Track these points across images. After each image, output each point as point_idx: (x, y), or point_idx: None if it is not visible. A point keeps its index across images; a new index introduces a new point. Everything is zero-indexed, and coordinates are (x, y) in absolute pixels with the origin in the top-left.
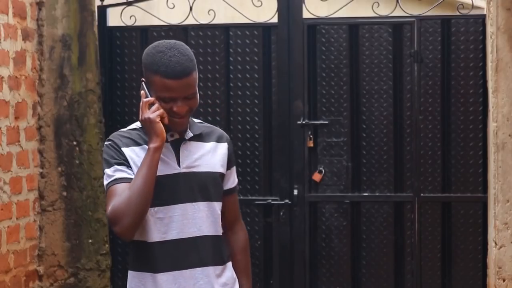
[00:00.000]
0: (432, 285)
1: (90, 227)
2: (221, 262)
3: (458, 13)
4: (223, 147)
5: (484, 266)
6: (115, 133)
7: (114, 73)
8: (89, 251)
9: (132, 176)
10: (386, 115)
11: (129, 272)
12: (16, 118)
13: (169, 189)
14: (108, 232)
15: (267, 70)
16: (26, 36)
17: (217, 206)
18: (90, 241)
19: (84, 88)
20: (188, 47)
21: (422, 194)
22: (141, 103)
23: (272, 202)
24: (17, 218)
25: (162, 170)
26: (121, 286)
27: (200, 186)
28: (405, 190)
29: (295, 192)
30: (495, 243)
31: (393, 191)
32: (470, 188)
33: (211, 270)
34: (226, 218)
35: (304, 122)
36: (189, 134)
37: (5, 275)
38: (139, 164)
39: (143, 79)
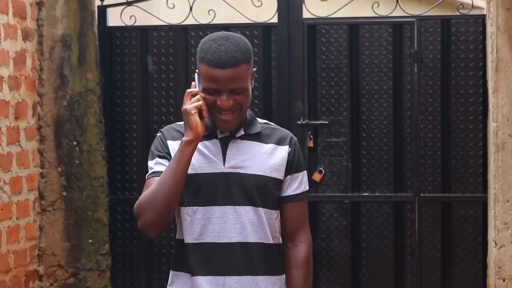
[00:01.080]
0: (432, 285)
1: (90, 227)
2: (268, 273)
3: (458, 13)
4: (283, 151)
5: (484, 266)
6: (169, 125)
7: (114, 73)
8: (89, 251)
9: None
10: (386, 115)
11: (170, 271)
12: (16, 118)
13: (209, 189)
14: (108, 232)
15: (267, 70)
16: (26, 36)
17: (265, 213)
18: (90, 241)
19: (84, 88)
20: (246, 40)
21: (422, 194)
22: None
23: None
24: (17, 218)
25: (204, 168)
26: (121, 286)
27: (245, 189)
28: (405, 190)
29: None
30: (495, 243)
31: (393, 191)
32: (470, 188)
33: (247, 280)
34: (286, 228)
35: (304, 122)
36: (241, 132)
37: (5, 275)
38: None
39: (196, 70)
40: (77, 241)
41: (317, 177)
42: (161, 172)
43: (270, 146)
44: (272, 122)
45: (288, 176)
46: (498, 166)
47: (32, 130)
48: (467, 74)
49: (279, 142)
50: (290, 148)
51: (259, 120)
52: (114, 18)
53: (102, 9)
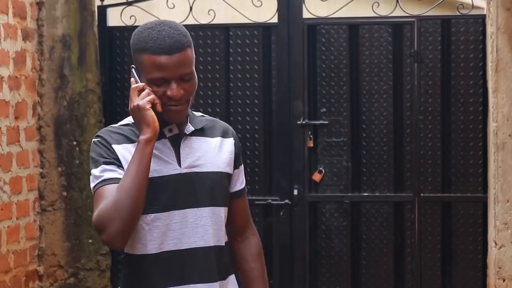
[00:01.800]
0: (432, 285)
1: (90, 227)
2: (224, 277)
3: (458, 13)
4: (229, 143)
5: (484, 266)
6: (104, 129)
7: (114, 73)
8: (89, 251)
9: None
10: (386, 115)
11: None
12: (16, 118)
13: (167, 193)
14: None
15: (267, 70)
16: (26, 36)
17: (223, 211)
18: (90, 241)
19: (84, 88)
20: (181, 25)
21: (422, 194)
22: (130, 93)
23: (272, 202)
24: (17, 218)
25: (159, 171)
26: None
27: (204, 189)
28: (405, 190)
29: (295, 192)
30: (495, 243)
31: (393, 191)
32: (470, 188)
33: (215, 287)
34: (235, 224)
35: (304, 122)
36: (190, 128)
37: (5, 275)
38: (113, 162)
39: (133, 65)
40: (77, 241)
41: (317, 177)
42: (113, 179)
43: (217, 140)
44: (273, 122)
45: (236, 170)
46: (498, 166)
47: (32, 130)
48: (467, 74)
49: (224, 135)
50: (234, 140)
51: (195, 113)
52: (114, 18)
53: (102, 9)
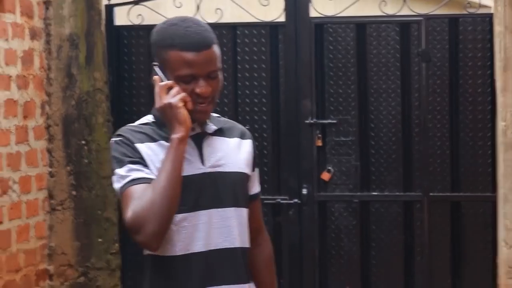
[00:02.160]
0: (442, 285)
1: (100, 226)
2: (250, 280)
3: (465, 12)
4: (247, 145)
5: (495, 266)
6: (125, 127)
7: (122, 72)
8: (99, 250)
9: (152, 176)
10: (394, 114)
11: None
12: (25, 117)
13: (193, 193)
14: (118, 231)
15: (274, 69)
16: (33, 35)
17: (245, 212)
18: (100, 240)
19: (92, 87)
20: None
21: (431, 194)
22: (156, 90)
23: (281, 202)
24: (26, 218)
25: (185, 170)
26: (131, 285)
27: (227, 188)
28: (414, 189)
29: (304, 191)
30: (505, 242)
31: (402, 190)
32: (479, 188)
33: None
34: (251, 227)
35: (312, 121)
36: (212, 127)
37: (15, 274)
38: (156, 163)
39: (154, 63)
40: (87, 240)
41: (325, 176)
42: (142, 178)
43: (235, 141)
44: (281, 121)
45: (253, 172)
46: (507, 166)
47: (41, 129)
48: (475, 73)
49: (242, 136)
50: (252, 142)
51: (213, 113)
52: (121, 17)
53: (109, 8)
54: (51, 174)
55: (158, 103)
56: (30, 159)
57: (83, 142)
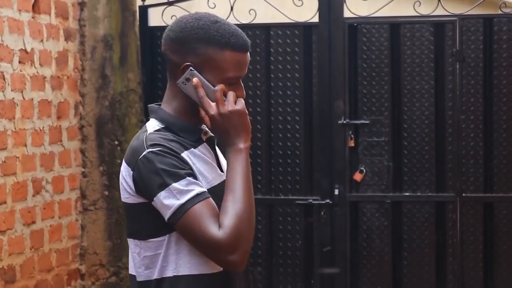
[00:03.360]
0: (473, 286)
1: None
2: None
3: (500, 12)
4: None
5: None
6: (154, 135)
7: (155, 73)
8: None
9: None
10: (428, 115)
11: None
12: (59, 117)
13: (220, 202)
14: None
15: (308, 69)
16: (68, 36)
17: None
18: None
19: (125, 88)
20: None
21: (464, 194)
22: (202, 93)
23: (313, 202)
24: (59, 217)
25: (215, 179)
26: None
27: None
28: (446, 190)
29: (336, 192)
30: None
31: (434, 191)
32: None
33: None
34: None
35: (345, 122)
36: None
37: (47, 274)
38: (197, 174)
39: (188, 63)
40: (119, 240)
41: (358, 176)
42: (205, 193)
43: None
44: (313, 122)
45: None
46: None
47: (74, 130)
48: (509, 73)
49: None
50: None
51: None
52: (155, 18)
53: (143, 9)
54: (84, 174)
55: (216, 110)
56: (63, 160)
57: (116, 142)
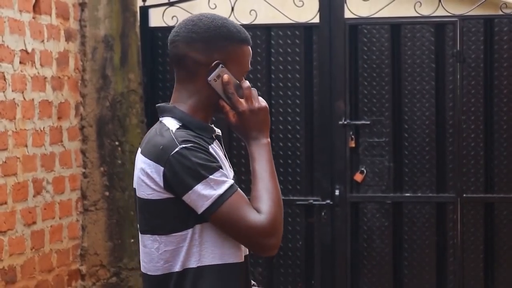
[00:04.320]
0: (474, 286)
1: (132, 226)
2: None
3: (501, 13)
4: None
5: None
6: (180, 132)
7: (156, 73)
8: (131, 251)
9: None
10: (428, 115)
11: None
12: (59, 118)
13: None
14: None
15: (308, 70)
16: (68, 37)
17: None
18: (132, 240)
19: (126, 88)
20: None
21: (464, 195)
22: (232, 90)
23: (314, 203)
24: (60, 218)
25: (230, 175)
26: None
27: None
28: (447, 190)
29: (337, 192)
30: None
31: (435, 191)
32: None
33: None
34: None
35: (345, 122)
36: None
37: (48, 274)
38: (222, 167)
39: (218, 61)
40: (119, 240)
41: (358, 177)
42: (235, 183)
43: None
44: (314, 122)
45: None
46: None
47: (75, 130)
48: (510, 74)
49: None
50: None
51: None
52: (156, 19)
53: (144, 10)
54: (85, 175)
55: (246, 106)
56: (64, 160)
57: (117, 143)
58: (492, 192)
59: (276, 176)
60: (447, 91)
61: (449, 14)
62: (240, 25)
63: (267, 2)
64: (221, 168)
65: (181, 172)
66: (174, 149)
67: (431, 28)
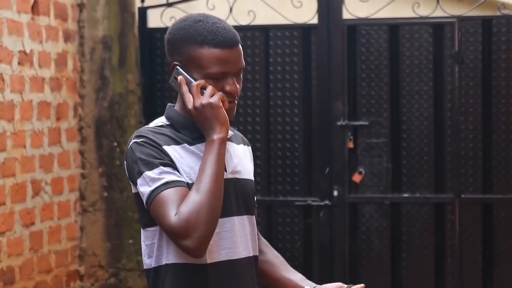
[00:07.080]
0: (473, 287)
1: (131, 227)
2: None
3: (499, 14)
4: (250, 152)
5: None
6: (144, 129)
7: (154, 74)
8: (130, 251)
9: (184, 180)
10: (427, 116)
11: None
12: (58, 119)
13: None
14: None
15: (307, 71)
16: (67, 38)
17: (255, 220)
18: (131, 241)
19: (124, 89)
20: None
21: (462, 195)
22: (185, 90)
23: (312, 203)
24: (58, 219)
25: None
26: None
27: (243, 196)
28: (445, 191)
29: (335, 193)
30: None
31: (433, 192)
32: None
33: None
34: None
35: (344, 123)
36: (230, 132)
37: (46, 275)
38: (184, 166)
39: (175, 63)
40: (118, 241)
41: (357, 178)
42: (176, 182)
43: (242, 147)
44: (312, 123)
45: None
46: None
47: (73, 131)
48: (508, 75)
49: (245, 143)
50: (250, 149)
51: None
52: (154, 20)
53: (143, 11)
54: (83, 176)
55: (192, 103)
56: (62, 161)
57: (115, 143)
58: (491, 193)
59: (219, 176)
60: (445, 92)
61: (447, 15)
62: (239, 26)
63: (266, 3)
64: (166, 166)
65: (130, 166)
66: (129, 144)
67: (429, 29)
